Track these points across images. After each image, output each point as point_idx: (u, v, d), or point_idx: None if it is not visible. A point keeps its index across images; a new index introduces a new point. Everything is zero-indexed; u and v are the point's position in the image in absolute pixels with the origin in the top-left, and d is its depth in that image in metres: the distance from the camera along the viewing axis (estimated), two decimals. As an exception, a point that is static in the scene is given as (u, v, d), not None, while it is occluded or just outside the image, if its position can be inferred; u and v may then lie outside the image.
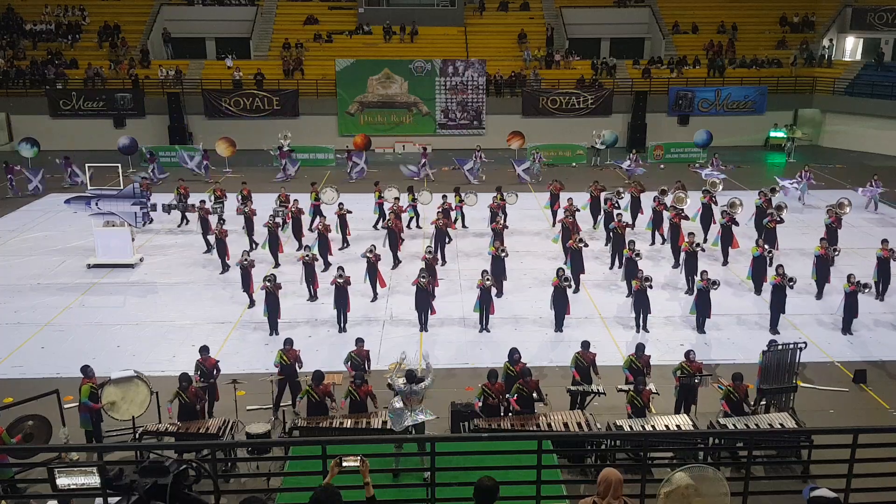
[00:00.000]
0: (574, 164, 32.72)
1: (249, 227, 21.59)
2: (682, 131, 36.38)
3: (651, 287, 16.45)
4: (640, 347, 13.33)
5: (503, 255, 18.23)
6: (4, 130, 35.35)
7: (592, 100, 36.74)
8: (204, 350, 13.20)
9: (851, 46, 41.31)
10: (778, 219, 20.82)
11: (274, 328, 16.22)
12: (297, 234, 21.63)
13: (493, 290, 17.93)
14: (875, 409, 13.50)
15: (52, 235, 22.99)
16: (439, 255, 20.14)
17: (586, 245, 19.08)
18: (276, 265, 20.22)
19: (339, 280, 16.26)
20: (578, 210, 21.31)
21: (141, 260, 20.74)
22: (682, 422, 11.87)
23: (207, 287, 19.09)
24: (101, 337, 16.24)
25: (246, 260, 17.47)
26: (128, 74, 36.28)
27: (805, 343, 13.24)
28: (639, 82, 37.43)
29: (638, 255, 18.05)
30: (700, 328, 16.43)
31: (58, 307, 17.72)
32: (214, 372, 13.03)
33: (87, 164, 22.66)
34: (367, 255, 17.83)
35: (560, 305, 16.41)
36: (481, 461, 8.15)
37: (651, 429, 11.50)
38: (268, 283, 15.94)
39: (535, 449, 7.98)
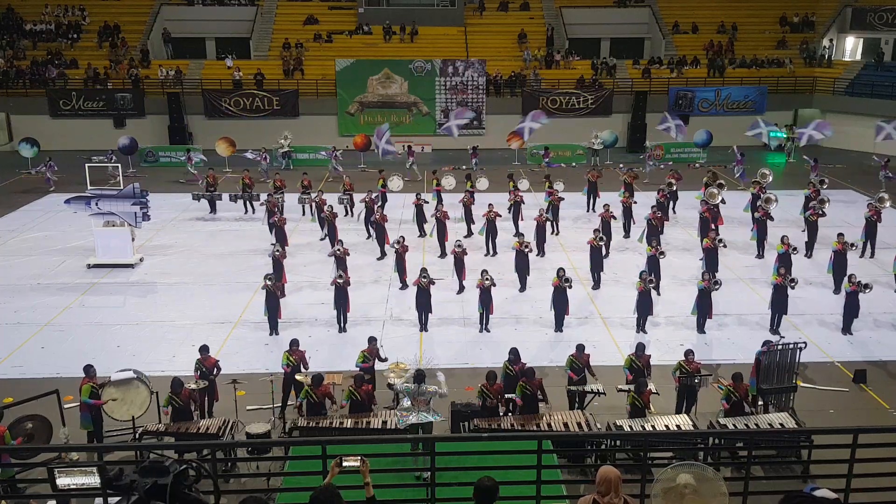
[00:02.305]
0: (574, 164, 32.72)
1: (320, 215, 22.51)
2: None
3: (655, 289, 16.43)
4: (641, 347, 13.33)
5: (526, 250, 18.40)
6: (4, 130, 35.35)
7: (592, 100, 36.73)
8: (204, 349, 13.19)
9: (851, 46, 41.30)
10: (820, 212, 21.05)
11: (274, 328, 16.23)
12: (368, 223, 22.26)
13: (518, 286, 18.54)
14: (875, 409, 13.51)
15: (52, 235, 23.00)
16: (490, 248, 21.17)
17: (605, 241, 19.20)
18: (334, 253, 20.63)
19: (338, 280, 16.27)
20: (614, 217, 21.51)
21: (141, 260, 20.75)
22: (682, 422, 11.87)
23: (207, 287, 19.09)
24: (101, 337, 16.24)
25: (398, 243, 18.37)
26: (128, 74, 36.28)
27: (805, 343, 13.24)
28: (639, 82, 37.43)
29: (662, 254, 18.23)
30: (700, 328, 16.43)
31: (58, 307, 17.73)
32: (214, 371, 13.03)
33: (86, 164, 22.70)
34: (395, 245, 18.28)
35: (560, 305, 16.41)
36: (481, 461, 8.15)
37: (651, 429, 11.50)
38: (268, 283, 15.95)
39: (535, 449, 7.98)
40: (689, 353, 12.98)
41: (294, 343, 13.38)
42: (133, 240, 20.75)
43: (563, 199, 23.42)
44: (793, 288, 16.35)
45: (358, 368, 13.12)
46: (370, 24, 39.66)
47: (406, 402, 11.08)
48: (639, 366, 13.02)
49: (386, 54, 38.13)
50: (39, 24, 39.26)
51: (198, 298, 18.38)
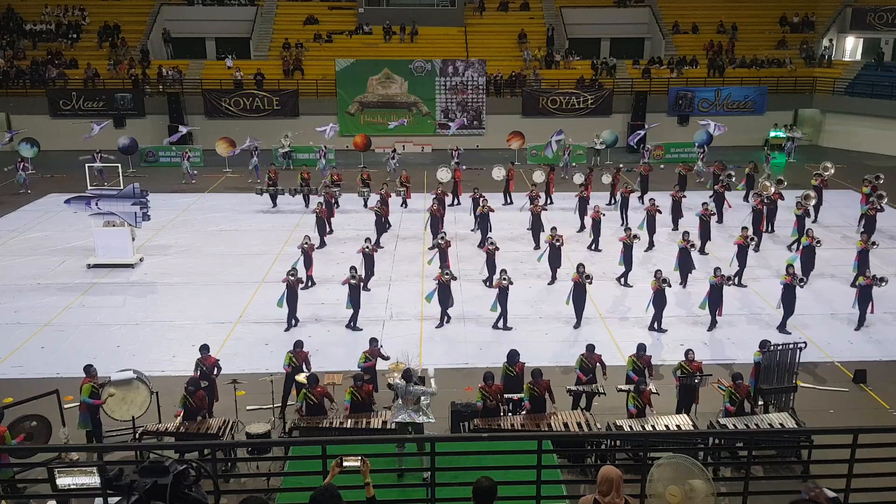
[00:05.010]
0: (574, 164, 32.68)
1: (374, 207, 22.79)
2: (682, 131, 36.36)
3: (669, 286, 16.48)
4: (641, 347, 13.33)
5: (558, 244, 18.73)
6: (4, 130, 35.32)
7: (592, 100, 36.73)
8: (204, 349, 13.20)
9: (851, 46, 41.30)
10: (878, 207, 21.35)
11: (290, 321, 16.41)
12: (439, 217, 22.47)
13: (550, 280, 19.04)
14: (875, 409, 13.50)
15: (52, 235, 22.99)
16: (534, 241, 21.60)
17: (639, 238, 19.47)
18: (377, 247, 20.93)
19: (351, 281, 16.32)
20: (660, 211, 21.77)
21: (141, 260, 20.74)
22: (682, 422, 11.87)
23: (207, 287, 19.09)
24: (101, 337, 16.23)
25: (442, 238, 18.92)
26: (128, 74, 36.29)
27: (805, 343, 13.24)
28: (639, 82, 37.43)
29: (692, 245, 18.59)
30: (712, 325, 16.55)
31: (58, 307, 17.72)
32: (215, 371, 13.03)
33: (87, 165, 22.72)
34: (440, 241, 18.75)
35: (579, 302, 16.55)
36: (481, 461, 8.15)
37: (651, 429, 11.49)
38: (290, 277, 16.13)
39: (535, 449, 7.98)
40: (689, 353, 12.98)
41: (298, 344, 13.36)
42: (133, 240, 20.74)
43: (634, 190, 24.00)
44: (801, 287, 16.39)
45: (360, 369, 13.11)
46: (370, 24, 39.66)
47: (398, 400, 11.07)
48: (640, 366, 13.02)
49: (386, 54, 38.13)
50: (39, 24, 39.26)
51: (198, 298, 18.37)
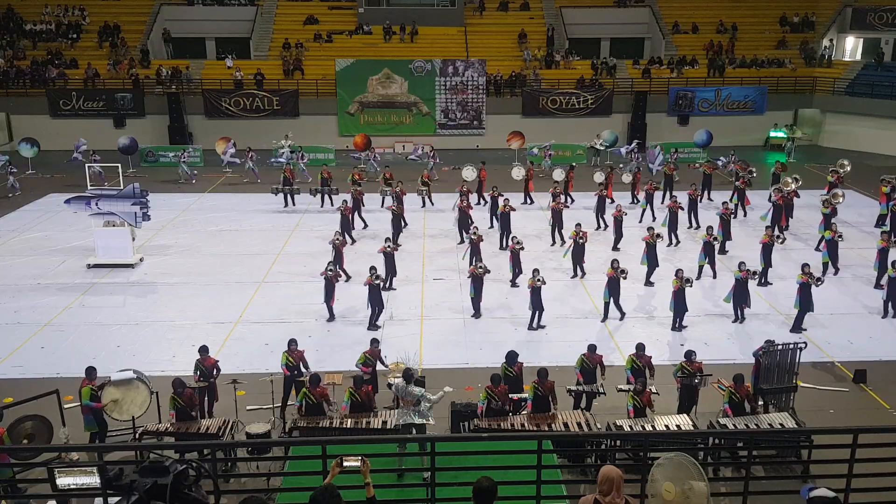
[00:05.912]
0: (574, 164, 32.68)
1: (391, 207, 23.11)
2: (682, 131, 36.35)
3: (691, 286, 16.52)
4: (641, 347, 13.32)
5: (581, 241, 19.10)
6: (4, 130, 35.33)
7: (592, 100, 36.72)
8: (203, 350, 13.18)
9: (851, 46, 41.31)
10: None
11: (331, 314, 16.83)
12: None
13: (573, 275, 19.37)
14: (875, 409, 13.51)
15: (52, 235, 22.99)
16: (553, 238, 22.06)
17: (661, 238, 19.61)
18: (398, 246, 20.96)
19: (373, 281, 16.39)
20: (682, 208, 22.05)
21: (141, 260, 20.74)
22: (682, 422, 11.86)
23: (207, 287, 19.09)
24: (101, 337, 16.23)
25: (474, 233, 19.51)
26: (128, 74, 36.29)
27: (805, 343, 13.24)
28: (639, 82, 37.42)
29: (716, 239, 18.98)
30: (737, 319, 16.77)
31: (58, 307, 17.72)
32: (214, 371, 13.03)
33: (87, 165, 22.73)
34: (472, 236, 19.39)
35: (614, 296, 16.79)
36: (481, 461, 8.15)
37: (651, 429, 11.49)
38: (329, 271, 16.43)
39: (535, 449, 7.98)
40: (690, 353, 12.97)
41: (292, 342, 13.35)
42: (133, 240, 20.73)
43: (657, 188, 24.59)
44: (818, 286, 16.42)
45: (358, 369, 13.11)
46: (370, 24, 39.66)
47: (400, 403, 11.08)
48: (639, 366, 13.02)
49: (386, 54, 38.13)
50: (39, 24, 39.26)
51: (198, 298, 18.37)
